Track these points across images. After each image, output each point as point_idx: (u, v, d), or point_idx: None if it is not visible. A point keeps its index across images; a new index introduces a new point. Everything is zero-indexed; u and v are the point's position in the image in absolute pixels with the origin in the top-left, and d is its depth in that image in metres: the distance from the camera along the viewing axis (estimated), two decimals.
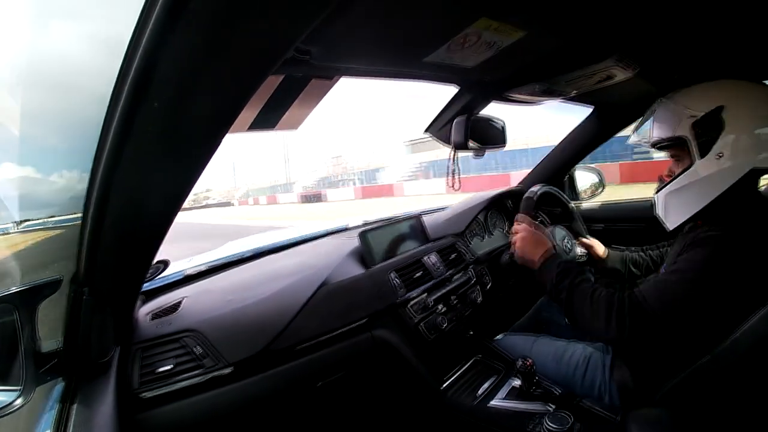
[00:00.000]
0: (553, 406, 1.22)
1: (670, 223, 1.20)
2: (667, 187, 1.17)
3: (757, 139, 1.05)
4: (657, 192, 1.22)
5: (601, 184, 2.24)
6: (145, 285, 1.23)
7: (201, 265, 1.43)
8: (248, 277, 1.35)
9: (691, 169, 1.10)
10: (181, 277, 1.36)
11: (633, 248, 1.66)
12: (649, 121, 1.20)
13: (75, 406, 0.77)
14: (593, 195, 2.25)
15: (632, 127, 1.35)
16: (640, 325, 1.03)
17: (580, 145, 2.11)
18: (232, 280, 1.34)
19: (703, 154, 1.08)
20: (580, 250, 1.65)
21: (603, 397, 1.26)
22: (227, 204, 52.90)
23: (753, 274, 1.00)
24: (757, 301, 0.98)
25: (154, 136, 0.57)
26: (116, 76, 0.52)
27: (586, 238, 1.70)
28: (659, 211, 1.23)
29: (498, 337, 1.62)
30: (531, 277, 1.31)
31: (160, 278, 1.26)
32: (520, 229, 1.36)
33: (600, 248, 1.66)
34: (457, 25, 0.84)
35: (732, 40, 1.17)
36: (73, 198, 0.70)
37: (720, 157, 1.06)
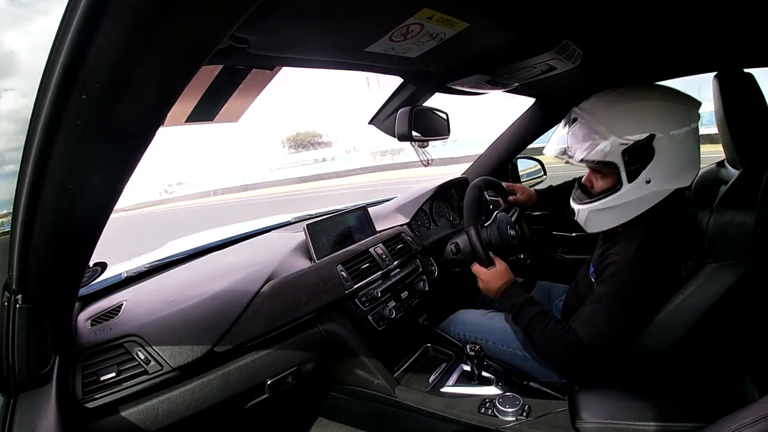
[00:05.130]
0: (502, 390, 1.27)
1: (590, 230, 1.25)
2: (592, 205, 1.20)
3: (683, 162, 1.11)
4: (579, 203, 1.25)
5: (542, 173, 2.34)
6: (82, 289, 1.19)
7: (141, 266, 1.40)
8: (191, 276, 1.33)
9: (618, 192, 1.14)
10: (120, 279, 1.32)
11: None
12: (566, 134, 1.20)
13: (16, 422, 0.74)
14: (535, 183, 2.33)
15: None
16: (586, 362, 1.11)
17: (522, 136, 2.17)
18: (174, 281, 1.31)
19: (631, 179, 1.11)
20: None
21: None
22: None
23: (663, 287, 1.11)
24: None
25: (82, 131, 0.55)
26: (42, 70, 0.50)
27: (513, 195, 1.74)
28: (579, 220, 1.27)
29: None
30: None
31: (98, 282, 1.22)
32: (478, 271, 1.38)
33: (532, 198, 1.74)
34: (399, 14, 0.83)
35: (668, 37, 1.21)
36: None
37: (648, 182, 1.10)
